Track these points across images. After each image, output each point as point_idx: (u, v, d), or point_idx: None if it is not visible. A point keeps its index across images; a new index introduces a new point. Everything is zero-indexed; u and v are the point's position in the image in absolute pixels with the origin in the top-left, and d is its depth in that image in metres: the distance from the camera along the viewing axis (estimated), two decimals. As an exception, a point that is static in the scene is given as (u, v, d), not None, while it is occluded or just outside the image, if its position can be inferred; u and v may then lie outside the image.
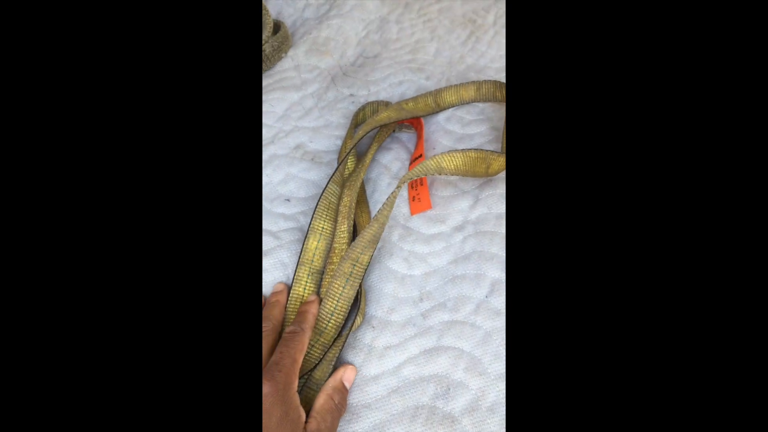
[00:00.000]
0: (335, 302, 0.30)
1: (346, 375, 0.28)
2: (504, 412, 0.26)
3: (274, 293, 0.32)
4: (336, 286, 0.31)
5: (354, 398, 0.28)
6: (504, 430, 0.26)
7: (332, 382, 0.27)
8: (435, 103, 0.43)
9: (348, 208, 0.33)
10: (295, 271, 0.32)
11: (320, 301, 0.31)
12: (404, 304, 0.31)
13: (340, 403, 0.27)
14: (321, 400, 0.26)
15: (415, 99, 0.42)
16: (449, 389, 0.27)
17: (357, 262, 0.31)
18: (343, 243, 0.32)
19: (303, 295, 0.31)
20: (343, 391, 0.27)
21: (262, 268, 0.34)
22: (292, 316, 0.31)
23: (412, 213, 0.36)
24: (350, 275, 0.31)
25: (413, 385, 0.28)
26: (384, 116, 0.39)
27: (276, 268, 0.33)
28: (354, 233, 0.34)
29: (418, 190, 0.37)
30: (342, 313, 0.30)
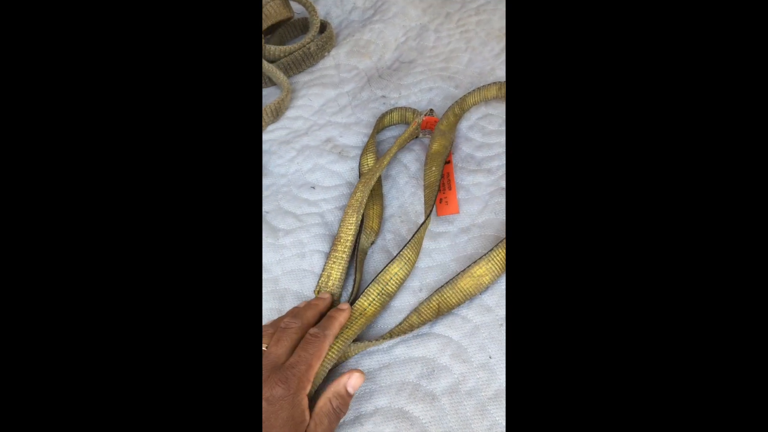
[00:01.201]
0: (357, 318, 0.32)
1: (350, 381, 0.28)
2: (479, 397, 0.29)
3: (319, 298, 0.33)
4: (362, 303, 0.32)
5: (349, 369, 0.31)
6: (477, 413, 0.29)
7: (334, 386, 0.28)
8: (460, 109, 0.46)
9: (359, 202, 0.36)
10: (369, 285, 0.33)
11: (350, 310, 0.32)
12: (405, 291, 0.34)
13: (339, 408, 0.27)
14: (320, 403, 0.27)
15: (446, 115, 0.43)
16: (434, 371, 0.30)
17: (388, 283, 0.33)
18: (349, 234, 0.36)
19: (366, 308, 0.32)
20: (344, 396, 0.27)
21: (283, 246, 0.38)
22: (352, 326, 0.31)
23: (438, 214, 0.38)
24: (381, 293, 0.33)
25: (402, 363, 0.31)
26: (436, 146, 0.41)
27: (295, 246, 0.37)
28: (362, 221, 0.37)
29: (447, 194, 0.39)
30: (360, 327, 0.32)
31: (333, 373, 0.31)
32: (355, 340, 0.31)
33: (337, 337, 0.30)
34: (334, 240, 0.36)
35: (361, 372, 0.29)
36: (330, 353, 0.29)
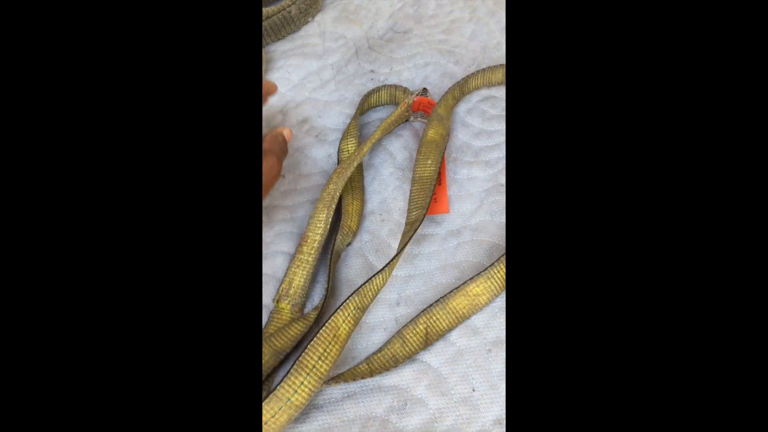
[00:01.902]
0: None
1: (285, 132, 0.32)
2: (458, 441, 0.24)
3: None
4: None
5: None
6: (455, 459, 0.24)
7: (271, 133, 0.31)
8: (461, 92, 0.40)
9: (331, 196, 0.31)
10: (347, 299, 0.27)
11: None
12: (380, 304, 0.30)
13: (282, 143, 0.31)
14: (269, 137, 0.30)
15: (444, 98, 0.38)
16: (406, 404, 0.26)
17: (365, 296, 0.27)
18: (317, 233, 0.30)
19: (339, 327, 0.26)
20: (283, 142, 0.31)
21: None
22: (322, 343, 0.25)
23: (427, 213, 0.33)
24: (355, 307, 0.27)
25: (370, 393, 0.26)
26: (432, 133, 0.35)
27: (255, 246, 0.32)
28: (338, 218, 0.32)
29: (436, 191, 0.34)
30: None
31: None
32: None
33: (308, 374, 0.24)
34: (300, 240, 0.31)
35: (289, 129, 0.32)
36: (301, 396, 0.24)
